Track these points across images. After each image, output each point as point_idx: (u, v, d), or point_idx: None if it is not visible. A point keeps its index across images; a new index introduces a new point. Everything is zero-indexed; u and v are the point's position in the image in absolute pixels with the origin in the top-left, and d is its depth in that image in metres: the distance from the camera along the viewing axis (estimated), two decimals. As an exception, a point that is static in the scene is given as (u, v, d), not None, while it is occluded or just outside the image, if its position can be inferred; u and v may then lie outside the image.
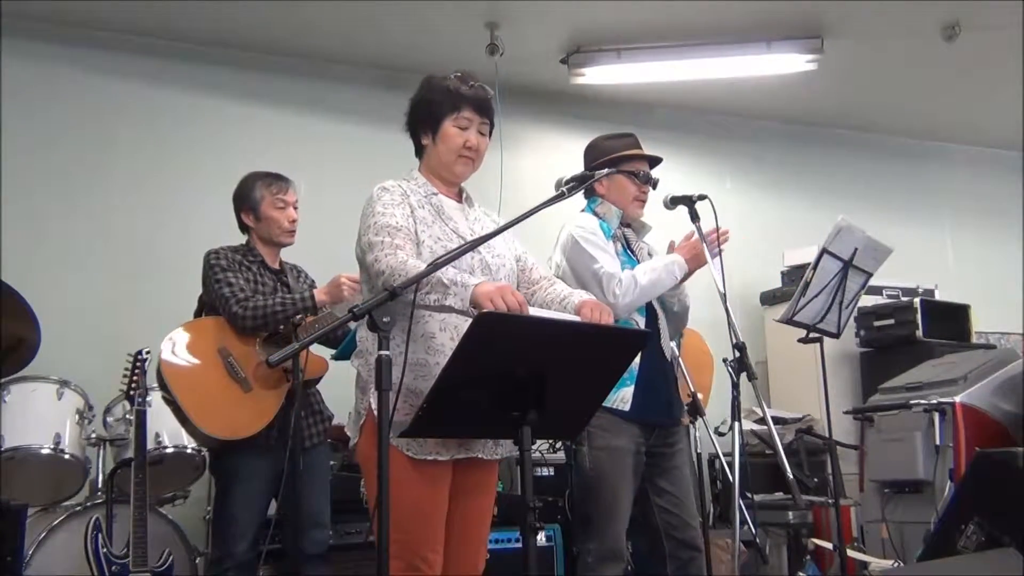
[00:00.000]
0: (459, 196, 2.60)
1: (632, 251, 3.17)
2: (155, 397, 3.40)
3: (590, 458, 2.90)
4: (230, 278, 3.19)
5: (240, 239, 3.41)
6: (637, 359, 2.92)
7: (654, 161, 3.19)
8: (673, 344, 3.17)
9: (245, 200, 3.35)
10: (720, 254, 2.97)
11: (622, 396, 2.92)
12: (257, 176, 3.37)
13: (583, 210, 3.19)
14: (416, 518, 2.27)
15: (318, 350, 3.32)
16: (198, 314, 3.36)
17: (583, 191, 3.02)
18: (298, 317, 3.12)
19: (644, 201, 3.17)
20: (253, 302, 3.15)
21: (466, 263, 2.37)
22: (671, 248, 3.12)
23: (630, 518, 2.96)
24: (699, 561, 3.00)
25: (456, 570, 2.40)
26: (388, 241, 2.32)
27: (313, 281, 3.53)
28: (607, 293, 2.92)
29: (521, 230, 2.31)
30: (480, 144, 2.53)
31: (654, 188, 3.16)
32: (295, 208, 3.37)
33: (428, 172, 2.56)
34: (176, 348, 3.15)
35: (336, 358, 3.10)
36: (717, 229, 2.96)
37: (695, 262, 3.03)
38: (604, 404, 2.85)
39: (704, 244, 2.93)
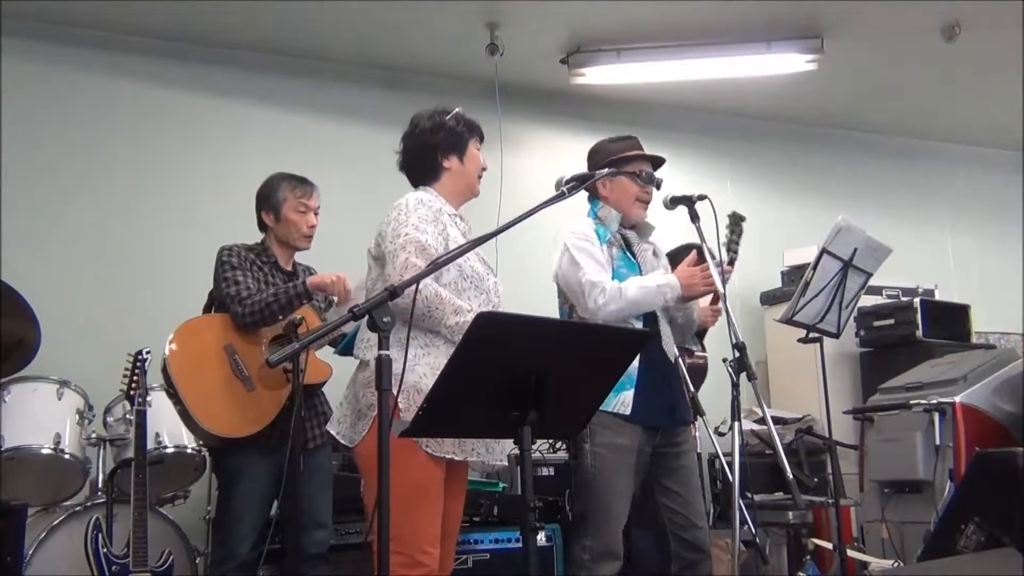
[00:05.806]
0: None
1: (633, 253, 3.15)
2: (155, 397, 3.41)
3: (591, 455, 2.90)
4: (238, 276, 3.19)
5: (241, 238, 3.40)
6: (636, 362, 2.92)
7: (657, 162, 3.17)
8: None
9: (267, 199, 3.35)
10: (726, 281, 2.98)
11: (622, 400, 2.91)
12: (283, 177, 3.37)
13: (587, 215, 3.17)
14: (425, 512, 2.35)
15: (323, 356, 3.31)
16: (207, 309, 3.36)
17: (587, 194, 3.04)
18: (299, 317, 3.11)
19: (647, 202, 3.14)
20: (252, 298, 3.14)
21: (487, 284, 2.65)
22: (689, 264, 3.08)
23: (638, 513, 2.96)
24: (706, 564, 2.97)
25: (441, 568, 2.48)
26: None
27: None
28: (588, 300, 2.92)
29: (521, 230, 2.31)
30: None
31: (658, 188, 3.15)
32: (316, 214, 3.37)
33: (447, 192, 2.73)
34: (183, 341, 3.14)
35: (339, 354, 3.10)
36: (722, 263, 3.03)
37: (689, 292, 3.00)
38: (605, 408, 2.86)
39: (715, 272, 2.94)
